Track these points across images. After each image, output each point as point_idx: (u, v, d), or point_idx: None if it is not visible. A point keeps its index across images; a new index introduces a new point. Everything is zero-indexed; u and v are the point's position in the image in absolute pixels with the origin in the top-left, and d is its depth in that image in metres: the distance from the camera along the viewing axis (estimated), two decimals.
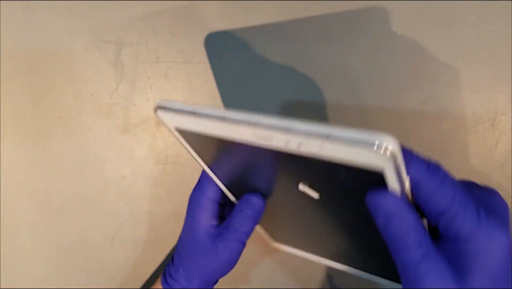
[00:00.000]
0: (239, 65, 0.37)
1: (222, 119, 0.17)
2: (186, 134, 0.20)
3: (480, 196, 0.20)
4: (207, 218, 0.29)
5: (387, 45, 0.36)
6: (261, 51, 0.36)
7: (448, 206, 0.18)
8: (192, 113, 0.18)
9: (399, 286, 0.27)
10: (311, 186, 0.19)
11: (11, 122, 0.38)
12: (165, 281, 0.31)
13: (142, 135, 0.38)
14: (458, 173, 0.38)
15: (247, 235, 0.28)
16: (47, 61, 0.36)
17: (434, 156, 0.38)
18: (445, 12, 0.35)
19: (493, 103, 0.37)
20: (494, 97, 0.36)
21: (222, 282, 0.32)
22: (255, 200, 0.27)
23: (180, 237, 0.31)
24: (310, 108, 0.37)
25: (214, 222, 0.29)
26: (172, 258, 0.32)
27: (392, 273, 0.27)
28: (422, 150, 0.38)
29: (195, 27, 0.36)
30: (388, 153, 0.14)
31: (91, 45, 0.36)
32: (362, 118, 0.37)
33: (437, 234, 0.20)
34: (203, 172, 0.28)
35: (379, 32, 0.36)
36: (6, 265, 0.41)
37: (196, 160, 0.24)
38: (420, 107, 0.37)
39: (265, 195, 0.27)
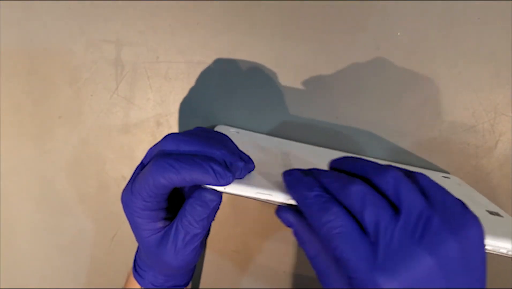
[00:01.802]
0: (239, 65, 0.37)
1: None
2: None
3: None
4: (147, 223, 0.25)
5: (387, 45, 0.36)
6: (261, 51, 0.36)
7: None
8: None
9: None
10: None
11: (11, 122, 0.38)
12: (135, 269, 0.30)
13: (142, 135, 0.38)
14: (458, 173, 0.38)
15: (202, 235, 0.25)
16: (47, 61, 0.36)
17: (434, 156, 0.38)
18: (445, 12, 0.35)
19: (493, 103, 0.37)
20: (494, 97, 0.37)
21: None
22: (210, 197, 0.24)
23: None
24: (310, 108, 0.37)
25: (160, 224, 0.25)
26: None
27: None
28: (422, 150, 0.38)
29: (195, 27, 0.36)
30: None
31: (91, 45, 0.36)
32: (362, 118, 0.37)
33: None
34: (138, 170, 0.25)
35: (379, 32, 0.36)
36: (6, 265, 0.41)
37: None
38: (420, 107, 0.37)
39: None
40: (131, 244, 0.41)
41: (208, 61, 0.36)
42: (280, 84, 0.37)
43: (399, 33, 0.35)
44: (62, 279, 0.42)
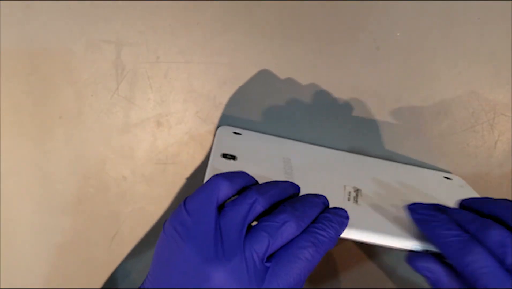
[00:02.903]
0: (239, 65, 0.37)
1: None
2: None
3: None
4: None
5: (387, 45, 0.36)
6: (261, 51, 0.36)
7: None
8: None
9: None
10: None
11: (11, 122, 0.38)
12: None
13: (142, 135, 0.38)
14: (458, 173, 0.38)
15: None
16: (47, 61, 0.36)
17: (434, 156, 0.38)
18: (445, 12, 0.35)
19: (493, 103, 0.37)
20: (494, 97, 0.37)
21: None
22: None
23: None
24: (310, 107, 0.37)
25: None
26: None
27: None
28: (422, 150, 0.38)
29: (195, 27, 0.36)
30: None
31: (91, 45, 0.36)
32: (362, 118, 0.37)
33: None
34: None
35: (379, 32, 0.36)
36: (6, 265, 0.41)
37: None
38: (420, 107, 0.37)
39: None
40: (131, 244, 0.41)
41: (208, 61, 0.36)
42: (280, 84, 0.37)
43: (398, 33, 0.35)
44: (62, 279, 0.42)
